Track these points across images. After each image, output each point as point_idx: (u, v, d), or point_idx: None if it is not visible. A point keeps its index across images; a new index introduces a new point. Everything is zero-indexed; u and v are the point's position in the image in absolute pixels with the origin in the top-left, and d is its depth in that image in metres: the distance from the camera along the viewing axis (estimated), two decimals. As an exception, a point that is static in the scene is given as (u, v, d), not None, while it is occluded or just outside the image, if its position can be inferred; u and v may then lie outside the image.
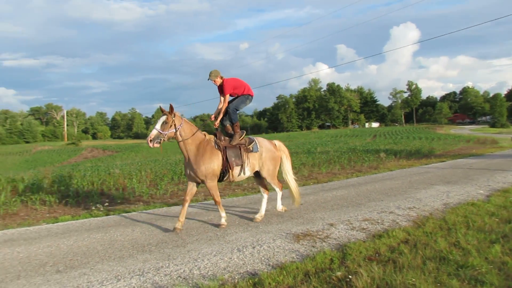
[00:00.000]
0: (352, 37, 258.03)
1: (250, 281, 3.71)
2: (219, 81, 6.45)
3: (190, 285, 3.73)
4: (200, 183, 6.10)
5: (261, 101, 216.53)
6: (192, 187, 6.14)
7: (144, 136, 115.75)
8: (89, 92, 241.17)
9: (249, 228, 5.85)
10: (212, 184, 6.00)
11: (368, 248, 4.53)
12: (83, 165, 23.59)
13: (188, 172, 6.07)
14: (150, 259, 4.54)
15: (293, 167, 13.94)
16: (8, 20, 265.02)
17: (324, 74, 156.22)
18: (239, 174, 6.19)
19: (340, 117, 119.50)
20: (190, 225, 6.17)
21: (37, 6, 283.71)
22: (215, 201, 6.05)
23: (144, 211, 7.54)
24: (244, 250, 4.76)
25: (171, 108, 5.82)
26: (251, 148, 6.33)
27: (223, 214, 6.05)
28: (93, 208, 8.06)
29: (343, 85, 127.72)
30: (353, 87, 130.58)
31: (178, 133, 5.88)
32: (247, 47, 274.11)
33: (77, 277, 4.05)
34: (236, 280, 3.79)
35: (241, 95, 6.61)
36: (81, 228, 6.22)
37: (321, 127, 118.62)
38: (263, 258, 4.44)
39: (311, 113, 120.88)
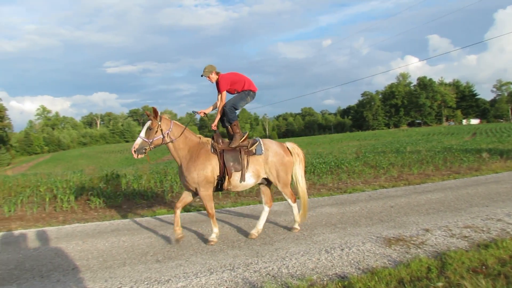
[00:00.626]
0: (445, 26, 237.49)
1: (340, 284, 3.62)
2: (214, 77, 5.75)
3: (279, 283, 3.76)
4: (195, 192, 5.45)
5: (345, 98, 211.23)
6: (187, 196, 5.59)
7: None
8: (179, 94, 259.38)
9: (336, 230, 5.71)
10: (206, 194, 5.30)
11: (472, 259, 4.09)
12: (175, 162, 25.34)
13: (182, 180, 5.56)
14: (239, 255, 4.70)
15: (381, 167, 13.48)
16: (110, 31, 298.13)
17: (414, 67, 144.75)
18: (240, 182, 5.40)
19: (432, 113, 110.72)
20: (277, 224, 6.24)
21: (134, 17, 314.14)
22: (208, 214, 5.34)
23: (232, 208, 7.83)
24: (332, 251, 4.66)
25: (155, 111, 5.16)
26: (253, 151, 5.50)
27: (215, 229, 5.32)
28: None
29: (436, 79, 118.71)
30: (447, 80, 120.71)
31: (167, 138, 5.28)
32: (330, 44, 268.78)
33: (174, 267, 4.36)
34: (325, 282, 3.72)
35: (241, 91, 5.87)
36: (176, 222, 6.67)
37: (411, 124, 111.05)
38: (352, 261, 4.29)
39: (400, 110, 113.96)
